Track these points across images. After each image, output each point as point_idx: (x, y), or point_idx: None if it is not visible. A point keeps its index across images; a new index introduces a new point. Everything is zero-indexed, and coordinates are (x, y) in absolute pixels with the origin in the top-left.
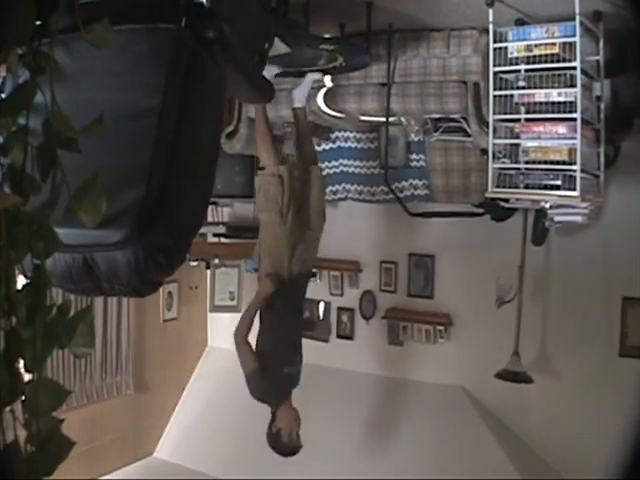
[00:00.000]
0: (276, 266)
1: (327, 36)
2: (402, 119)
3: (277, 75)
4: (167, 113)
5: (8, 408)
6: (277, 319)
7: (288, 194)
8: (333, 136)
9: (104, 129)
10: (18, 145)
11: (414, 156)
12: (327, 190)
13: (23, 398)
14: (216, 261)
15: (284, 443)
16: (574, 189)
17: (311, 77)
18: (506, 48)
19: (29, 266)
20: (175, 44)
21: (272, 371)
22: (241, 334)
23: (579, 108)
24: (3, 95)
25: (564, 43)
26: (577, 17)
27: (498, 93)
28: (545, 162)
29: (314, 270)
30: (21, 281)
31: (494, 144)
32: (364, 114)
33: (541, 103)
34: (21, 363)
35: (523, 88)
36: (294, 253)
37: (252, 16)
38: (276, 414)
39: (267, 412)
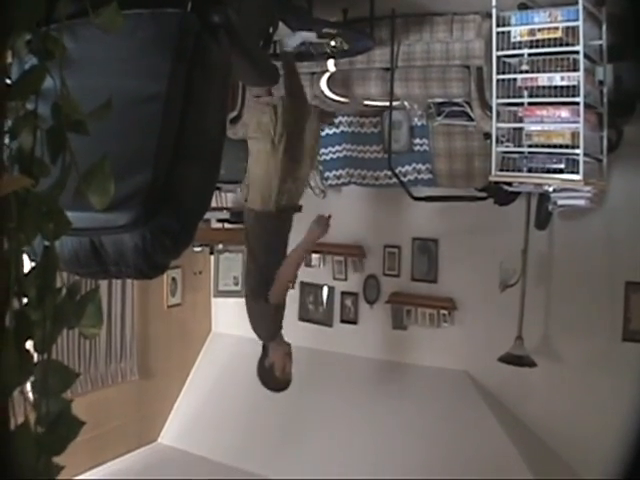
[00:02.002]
0: (264, 197)
1: (330, 20)
2: (405, 103)
3: (277, 58)
4: (173, 98)
5: (18, 389)
6: (264, 252)
7: (281, 124)
8: (336, 121)
9: (111, 113)
10: (27, 128)
11: (417, 140)
12: (331, 175)
13: (32, 379)
14: (220, 246)
15: (276, 377)
16: (577, 173)
17: (305, 34)
18: (509, 32)
19: (36, 249)
20: (181, 29)
21: (282, 311)
22: (291, 274)
23: (582, 92)
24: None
25: (567, 27)
26: (580, 1)
27: (501, 77)
28: (548, 146)
29: (315, 257)
30: (27, 265)
31: (497, 128)
32: (367, 99)
33: (544, 87)
34: (30, 344)
35: (526, 72)
36: (283, 186)
37: (257, 1)
38: (268, 348)
39: (271, 395)
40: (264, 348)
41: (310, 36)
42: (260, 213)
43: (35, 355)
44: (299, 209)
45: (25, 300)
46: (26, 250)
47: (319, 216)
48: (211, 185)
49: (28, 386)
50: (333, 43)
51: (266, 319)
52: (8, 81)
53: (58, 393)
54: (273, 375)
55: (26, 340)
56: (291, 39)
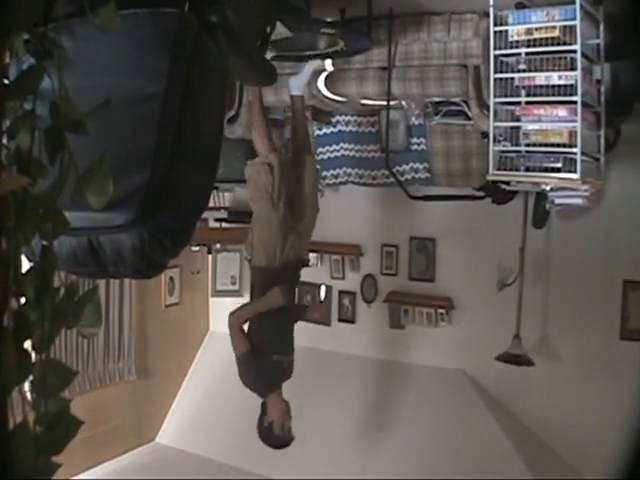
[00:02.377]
0: (269, 254)
1: (328, 20)
2: (403, 103)
3: (278, 59)
4: (171, 97)
5: (16, 389)
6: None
7: (278, 182)
8: (334, 120)
9: (110, 113)
10: (25, 128)
11: (415, 140)
12: (328, 174)
13: (31, 379)
14: (217, 246)
15: (276, 436)
16: (574, 172)
17: (310, 66)
18: (506, 31)
19: (34, 249)
20: (178, 29)
21: (261, 356)
22: (237, 319)
23: (579, 91)
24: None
25: (564, 26)
26: (577, 0)
27: (499, 76)
28: (546, 145)
29: (313, 257)
30: (25, 265)
31: (495, 127)
32: (365, 98)
33: (541, 86)
34: (28, 344)
35: (524, 71)
36: (286, 242)
37: (254, 0)
38: (266, 407)
39: None
40: (262, 406)
41: (317, 65)
42: (266, 270)
43: (33, 354)
44: (307, 263)
45: (23, 300)
46: (24, 250)
47: (281, 286)
48: (209, 184)
49: (26, 386)
50: (333, 50)
51: (240, 371)
52: (6, 81)
53: (57, 392)
54: (273, 434)
55: (25, 340)
56: (297, 79)
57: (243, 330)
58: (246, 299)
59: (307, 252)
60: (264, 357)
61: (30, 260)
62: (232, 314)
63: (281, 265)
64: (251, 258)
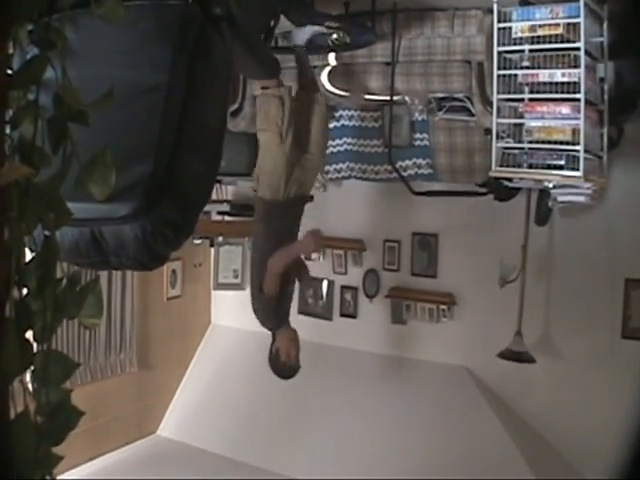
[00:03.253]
0: (273, 187)
1: (332, 14)
2: (406, 98)
3: (281, 52)
4: (174, 89)
5: (18, 379)
6: (274, 240)
7: (288, 116)
8: (337, 115)
9: (113, 104)
10: (28, 118)
11: (418, 135)
12: (331, 168)
13: (32, 369)
14: (220, 239)
15: (282, 363)
16: (577, 169)
17: (315, 28)
18: (510, 28)
19: (36, 239)
20: (182, 21)
21: (283, 295)
22: (277, 266)
23: (583, 88)
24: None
25: (568, 24)
26: None
27: (502, 73)
28: (549, 142)
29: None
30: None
31: (498, 124)
32: (368, 93)
33: (545, 83)
34: (30, 334)
35: (527, 68)
36: (291, 175)
37: None
38: (275, 335)
39: (270, 388)
40: (272, 336)
41: (320, 29)
42: (269, 203)
43: (35, 345)
44: (310, 199)
45: (25, 290)
46: (26, 240)
47: (314, 231)
48: (212, 176)
49: (27, 376)
50: (335, 36)
51: (264, 308)
52: (9, 71)
53: (58, 383)
54: (279, 360)
55: (26, 330)
56: (302, 32)
57: (279, 276)
58: (248, 292)
59: (310, 188)
60: (285, 295)
61: (32, 250)
62: (272, 259)
63: (284, 199)
64: (256, 189)
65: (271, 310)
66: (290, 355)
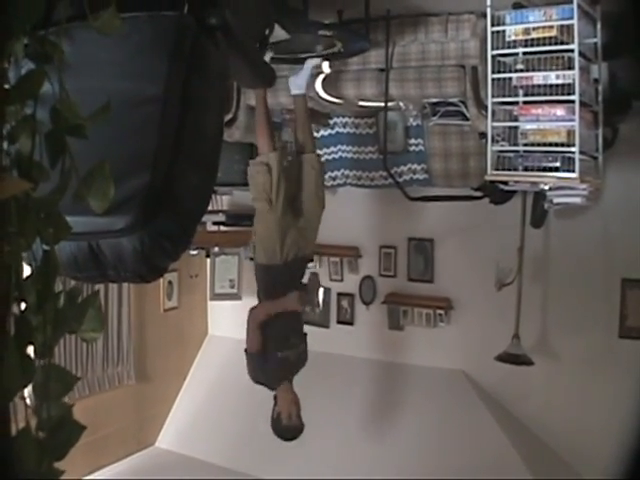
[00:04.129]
0: (268, 253)
1: (326, 22)
2: (401, 104)
3: (276, 61)
4: (170, 100)
5: (18, 394)
6: (264, 299)
7: (276, 182)
8: (332, 122)
9: (110, 116)
10: (26, 132)
11: (413, 141)
12: (326, 176)
13: (33, 384)
14: (216, 249)
15: (284, 426)
16: (573, 171)
17: (310, 64)
18: (504, 31)
19: (34, 254)
20: (177, 31)
21: (268, 354)
22: (257, 317)
23: (577, 90)
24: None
25: (562, 26)
26: (574, 0)
27: (496, 76)
28: (544, 144)
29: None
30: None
31: (493, 127)
32: (363, 99)
33: (539, 86)
34: (31, 349)
35: (521, 71)
36: (285, 240)
37: (253, 3)
38: (277, 398)
39: (268, 400)
40: (274, 397)
41: (315, 62)
42: (267, 266)
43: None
44: (311, 259)
45: (25, 305)
46: (25, 255)
47: (300, 293)
48: (209, 187)
49: (26, 392)
50: (331, 51)
51: (250, 366)
52: (6, 85)
53: (59, 397)
54: (281, 424)
55: (27, 345)
56: (297, 78)
57: (261, 327)
58: (245, 302)
59: (312, 249)
60: (271, 355)
61: (31, 265)
62: (252, 310)
63: (282, 262)
64: (253, 256)
65: (258, 369)
66: (292, 417)
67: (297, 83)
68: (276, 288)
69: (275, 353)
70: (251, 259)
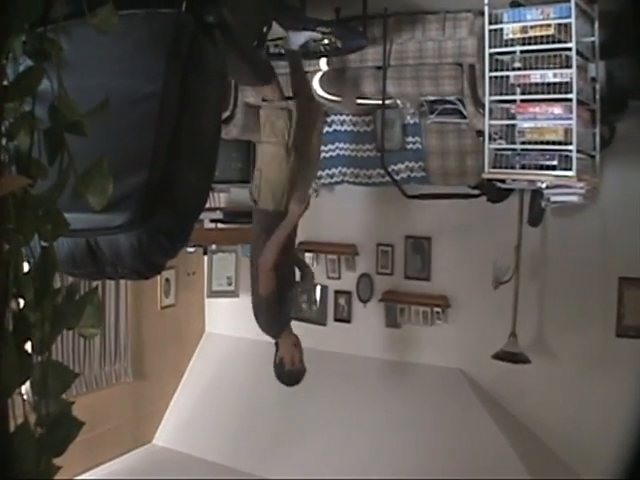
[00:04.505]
0: (276, 199)
1: (323, 19)
2: (398, 102)
3: (273, 58)
4: (168, 98)
5: (17, 390)
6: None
7: (295, 129)
8: (329, 120)
9: (108, 113)
10: (24, 129)
11: (410, 139)
12: (324, 174)
13: (31, 380)
14: (213, 247)
15: (287, 371)
16: (570, 169)
17: (312, 33)
18: (501, 30)
19: (33, 250)
20: (175, 29)
21: (281, 295)
22: (269, 260)
23: (574, 89)
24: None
25: (559, 24)
26: None
27: (494, 74)
28: (541, 143)
29: (308, 257)
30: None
31: (490, 125)
32: (360, 97)
33: (537, 84)
34: (29, 345)
35: (519, 69)
36: (293, 188)
37: (251, 1)
38: (278, 344)
39: (266, 395)
40: (275, 344)
41: (314, 35)
42: (271, 214)
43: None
44: (306, 208)
45: (23, 301)
46: (23, 251)
47: (296, 193)
48: (207, 184)
49: (24, 388)
50: (326, 42)
51: (263, 313)
52: (4, 82)
53: (57, 394)
54: (284, 369)
55: (25, 341)
56: (296, 37)
57: (274, 269)
58: (242, 299)
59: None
60: (285, 299)
61: (29, 262)
62: (261, 257)
63: (285, 210)
64: (256, 200)
65: (271, 315)
66: (294, 361)
67: (295, 40)
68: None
69: (286, 293)
70: (254, 202)
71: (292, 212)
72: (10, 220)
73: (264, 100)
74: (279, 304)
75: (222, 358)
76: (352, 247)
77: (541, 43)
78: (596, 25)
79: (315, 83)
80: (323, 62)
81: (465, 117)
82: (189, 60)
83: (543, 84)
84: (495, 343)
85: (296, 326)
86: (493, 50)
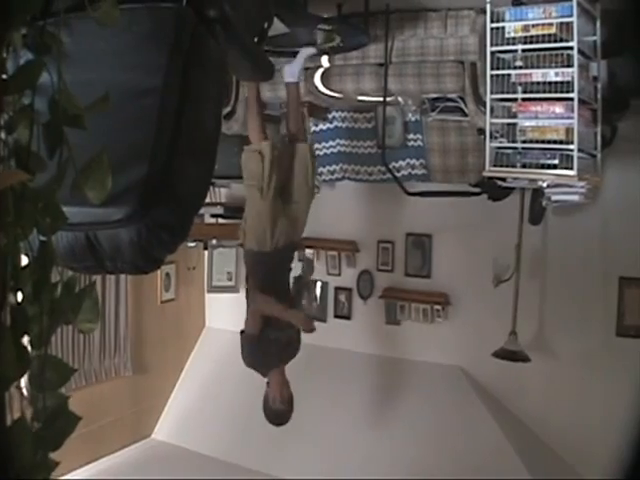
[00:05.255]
0: (259, 239)
1: (325, 16)
2: (399, 99)
3: (274, 55)
4: (169, 92)
5: (14, 385)
6: (259, 289)
7: (269, 170)
8: (330, 116)
9: (109, 107)
10: (24, 122)
11: (411, 136)
12: (324, 170)
13: (29, 374)
14: (214, 242)
15: (272, 409)
16: (571, 168)
17: (304, 53)
18: (503, 28)
19: (31, 244)
20: (176, 23)
21: (261, 336)
22: (262, 310)
23: (576, 88)
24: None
25: (561, 23)
26: None
27: (495, 73)
28: (542, 141)
29: (309, 253)
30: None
31: (491, 123)
32: (361, 94)
33: (538, 83)
34: (26, 339)
35: (520, 68)
36: (275, 227)
37: None
38: (268, 383)
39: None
40: (267, 383)
41: (310, 52)
42: (257, 254)
43: (31, 350)
44: (300, 247)
45: (21, 295)
46: (22, 245)
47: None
48: (207, 179)
49: (22, 382)
50: (329, 45)
51: (244, 347)
52: (4, 75)
53: (55, 388)
54: (268, 407)
55: (23, 335)
56: (291, 66)
57: (263, 317)
58: (242, 295)
59: (300, 236)
60: (264, 336)
61: (28, 255)
62: (259, 299)
63: (272, 249)
64: (243, 242)
65: (251, 351)
66: (280, 401)
67: (290, 71)
68: (265, 275)
69: (267, 335)
70: (240, 245)
71: (302, 322)
72: (9, 213)
73: (245, 145)
74: (260, 343)
75: (222, 353)
76: (353, 244)
77: (543, 42)
78: (598, 24)
79: (317, 80)
80: (324, 59)
81: (466, 115)
82: (190, 54)
83: (544, 83)
84: (495, 341)
85: None
86: (495, 48)
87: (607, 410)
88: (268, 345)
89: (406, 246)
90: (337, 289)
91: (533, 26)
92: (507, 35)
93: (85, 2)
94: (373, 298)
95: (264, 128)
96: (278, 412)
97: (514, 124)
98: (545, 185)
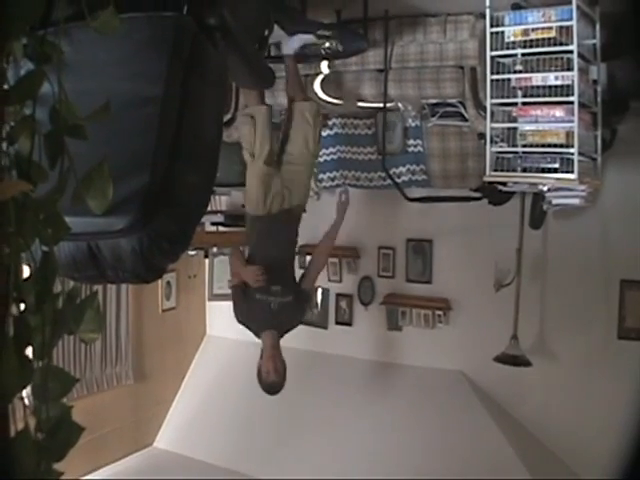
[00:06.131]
0: (252, 203)
1: (324, 22)
2: (399, 104)
3: (274, 61)
4: (170, 101)
5: (17, 395)
6: (254, 251)
7: (261, 133)
8: (330, 123)
9: (110, 116)
10: (25, 133)
11: (411, 141)
12: (325, 176)
13: (32, 385)
14: (214, 250)
15: (262, 381)
16: (572, 172)
17: (306, 37)
18: (503, 32)
19: (33, 254)
20: (177, 32)
21: (247, 289)
22: (236, 266)
23: (576, 91)
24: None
25: (561, 27)
26: (573, 1)
27: (495, 77)
28: (543, 145)
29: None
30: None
31: (491, 128)
32: (361, 100)
33: (538, 87)
34: (30, 350)
35: (520, 72)
36: (268, 191)
37: (252, 3)
38: (262, 355)
39: (266, 398)
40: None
41: (309, 38)
42: (253, 217)
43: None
44: (301, 211)
45: (24, 306)
46: (24, 256)
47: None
48: (208, 187)
49: (25, 393)
50: (327, 44)
51: (237, 304)
52: (5, 86)
53: (57, 398)
54: (261, 377)
55: (26, 346)
56: (291, 42)
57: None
58: None
59: (301, 201)
60: (250, 293)
61: (30, 266)
62: (232, 257)
63: (265, 214)
64: (244, 204)
65: (236, 306)
66: (269, 372)
67: (290, 45)
68: (257, 240)
69: (252, 294)
70: (242, 206)
71: (247, 274)
72: (11, 224)
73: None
74: (247, 299)
75: (223, 361)
76: (353, 250)
77: (542, 46)
78: (597, 27)
79: (316, 86)
80: (324, 65)
81: (466, 120)
82: (190, 63)
83: (544, 87)
84: (496, 346)
85: (297, 329)
86: (494, 53)
87: (609, 413)
88: (253, 304)
89: (407, 252)
90: (338, 295)
91: (533, 30)
92: (507, 39)
93: (85, 11)
94: (374, 304)
95: (263, 95)
96: (271, 384)
97: (514, 128)
98: (546, 189)
